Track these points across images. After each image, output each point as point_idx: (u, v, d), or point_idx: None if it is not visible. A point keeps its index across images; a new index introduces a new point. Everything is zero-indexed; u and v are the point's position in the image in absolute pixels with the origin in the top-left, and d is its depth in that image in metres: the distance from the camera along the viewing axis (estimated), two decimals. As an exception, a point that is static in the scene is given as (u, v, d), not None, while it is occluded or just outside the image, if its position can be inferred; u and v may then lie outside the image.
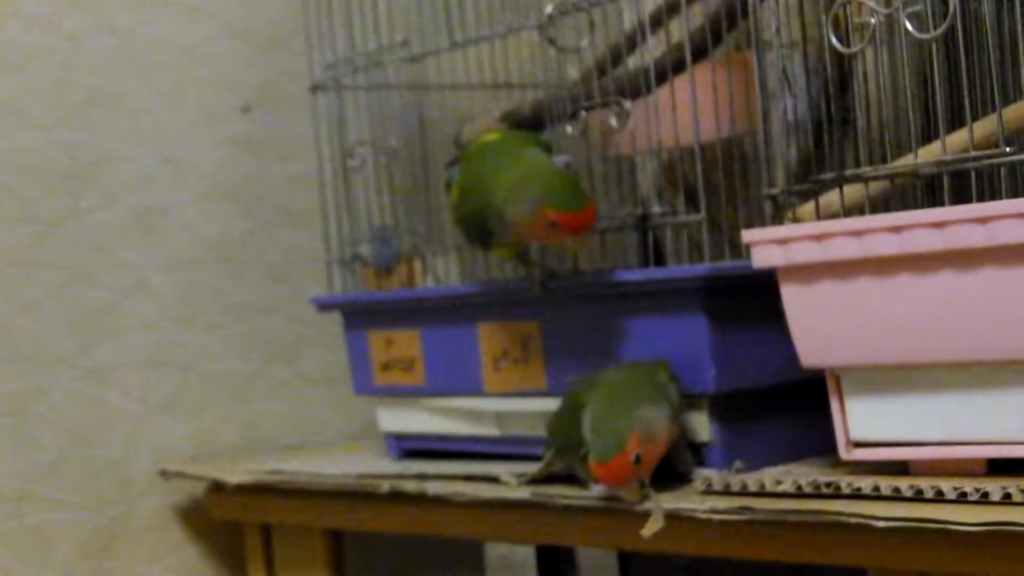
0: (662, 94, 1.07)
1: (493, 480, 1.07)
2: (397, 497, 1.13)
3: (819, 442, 1.01)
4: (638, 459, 0.93)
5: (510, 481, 1.06)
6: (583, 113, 1.12)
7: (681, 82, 1.05)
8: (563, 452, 1.04)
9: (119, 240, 1.39)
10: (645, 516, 0.94)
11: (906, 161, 0.91)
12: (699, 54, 1.05)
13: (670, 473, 1.01)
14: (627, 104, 1.08)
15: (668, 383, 1.00)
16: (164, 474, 1.35)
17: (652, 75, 1.07)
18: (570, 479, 1.03)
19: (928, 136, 0.93)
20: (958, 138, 0.89)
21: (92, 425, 1.36)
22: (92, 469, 1.35)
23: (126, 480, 1.37)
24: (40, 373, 1.33)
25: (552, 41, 1.11)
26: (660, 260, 1.26)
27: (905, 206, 0.93)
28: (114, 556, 1.35)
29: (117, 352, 1.38)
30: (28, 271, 1.33)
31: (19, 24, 1.34)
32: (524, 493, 1.03)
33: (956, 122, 0.90)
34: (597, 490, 0.99)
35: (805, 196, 0.96)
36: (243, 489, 1.26)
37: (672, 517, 0.93)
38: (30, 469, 1.32)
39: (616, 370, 1.02)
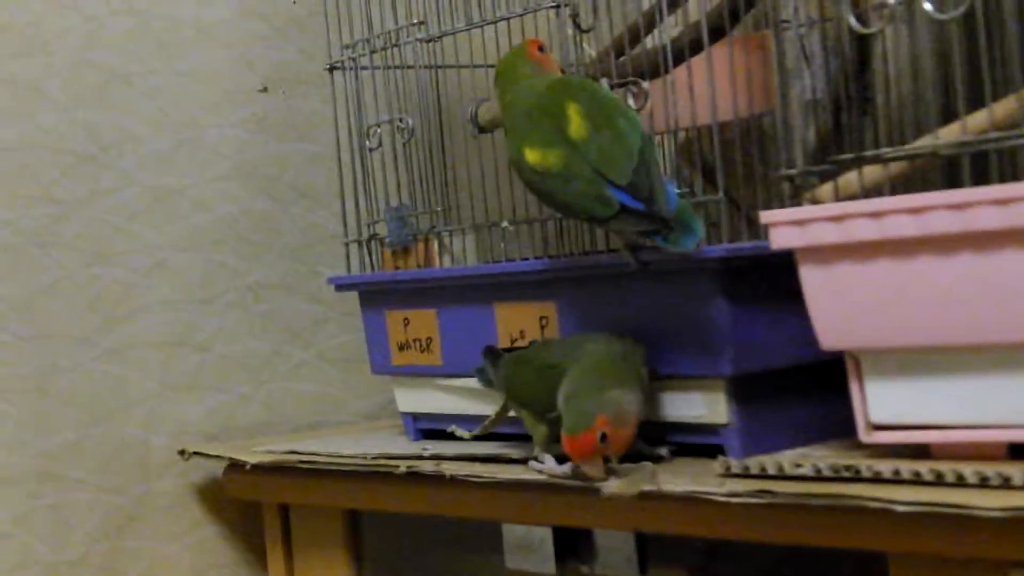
0: (680, 74, 1.06)
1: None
2: (414, 478, 1.13)
3: (838, 425, 1.00)
4: (604, 438, 0.96)
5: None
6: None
7: (699, 62, 1.04)
8: (524, 408, 1.07)
9: (138, 220, 1.39)
10: (665, 499, 0.94)
11: (926, 142, 0.90)
12: (717, 33, 1.05)
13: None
14: (645, 84, 1.07)
15: (641, 367, 1.02)
16: (183, 454, 1.35)
17: (670, 55, 1.06)
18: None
19: (948, 117, 0.92)
20: (979, 118, 0.88)
21: (112, 405, 1.36)
22: (111, 449, 1.36)
23: (145, 460, 1.37)
24: (60, 353, 1.33)
25: (573, 20, 1.11)
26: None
27: (925, 187, 0.92)
28: (133, 535, 1.36)
29: (136, 332, 1.38)
30: (48, 251, 1.34)
31: (40, 6, 1.34)
32: (542, 475, 1.03)
33: (976, 102, 0.89)
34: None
35: (824, 176, 0.95)
36: (261, 469, 1.26)
37: (690, 499, 0.93)
38: (50, 449, 1.32)
39: (594, 342, 1.04)
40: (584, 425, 0.96)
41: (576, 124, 1.00)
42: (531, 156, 1.02)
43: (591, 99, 1.02)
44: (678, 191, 1.06)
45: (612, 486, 0.95)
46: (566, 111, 1.01)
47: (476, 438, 1.18)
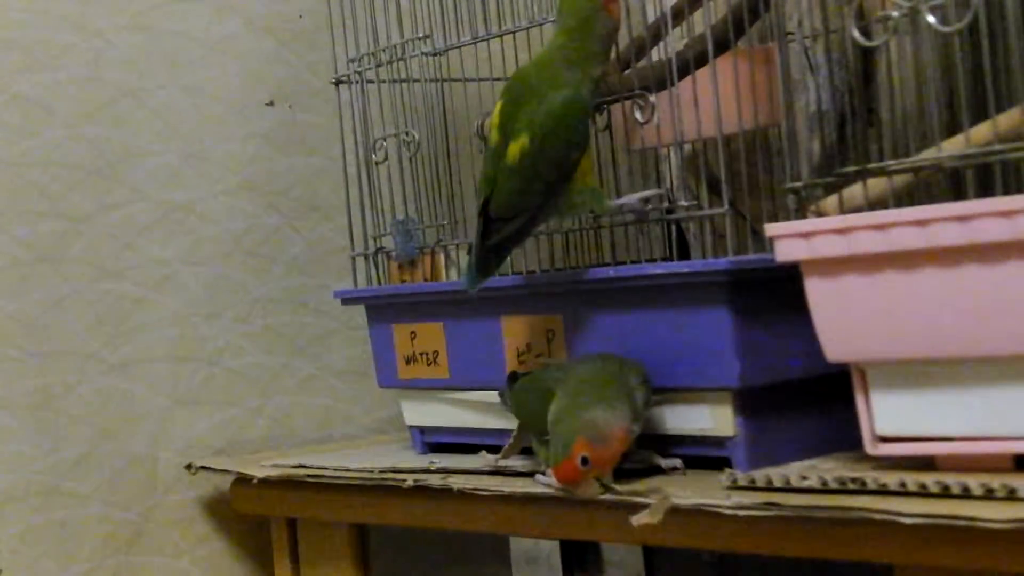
0: (685, 86, 1.06)
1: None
2: (421, 491, 1.13)
3: (844, 437, 1.00)
4: (585, 461, 0.96)
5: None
6: (606, 106, 1.12)
7: (704, 74, 1.05)
8: (530, 431, 1.08)
9: (146, 235, 1.39)
10: (672, 512, 0.93)
11: (930, 154, 0.90)
12: (722, 46, 1.05)
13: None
14: (652, 97, 1.07)
15: (637, 386, 1.01)
16: (190, 468, 1.35)
17: (675, 67, 1.06)
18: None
19: (952, 129, 0.92)
20: (983, 130, 0.88)
21: (119, 420, 1.36)
22: (119, 464, 1.36)
23: (152, 475, 1.38)
24: (67, 368, 1.34)
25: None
26: (684, 253, 1.26)
27: (930, 199, 0.92)
28: (140, 551, 1.36)
29: (144, 347, 1.38)
30: (56, 266, 1.34)
31: (49, 23, 1.35)
32: (548, 488, 1.03)
33: (980, 114, 0.89)
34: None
35: (829, 189, 0.95)
36: (269, 483, 1.26)
37: (697, 512, 0.93)
38: (57, 464, 1.32)
39: (588, 363, 1.04)
40: (563, 454, 0.97)
41: (495, 126, 1.08)
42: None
43: (515, 117, 1.07)
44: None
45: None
46: (506, 106, 1.08)
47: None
